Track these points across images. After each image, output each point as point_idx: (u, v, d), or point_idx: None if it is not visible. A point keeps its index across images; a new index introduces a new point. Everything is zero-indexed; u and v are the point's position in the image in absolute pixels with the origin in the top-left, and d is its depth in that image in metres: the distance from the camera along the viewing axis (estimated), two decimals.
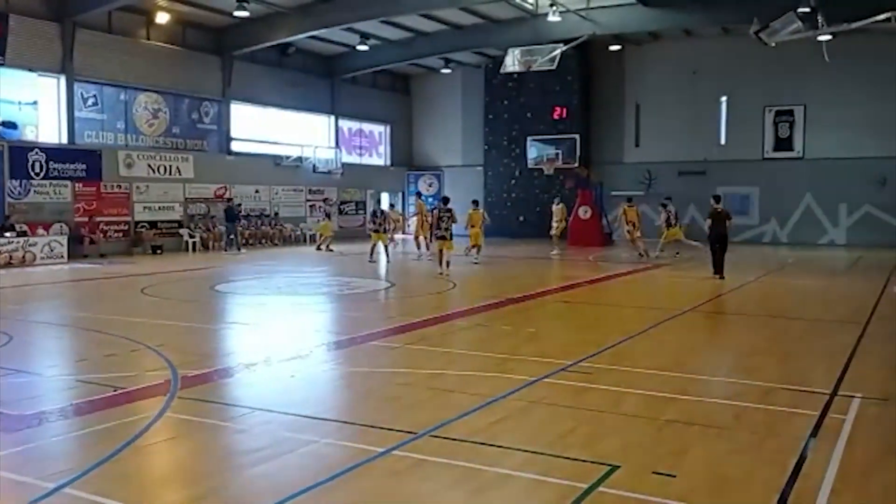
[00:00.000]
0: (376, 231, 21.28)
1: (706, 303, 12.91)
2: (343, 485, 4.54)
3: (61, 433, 5.67)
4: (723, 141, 30.49)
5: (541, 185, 32.03)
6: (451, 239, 17.63)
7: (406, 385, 6.97)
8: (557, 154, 30.24)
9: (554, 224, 25.41)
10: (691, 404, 6.35)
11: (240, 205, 28.03)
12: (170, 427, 5.72)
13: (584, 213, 27.46)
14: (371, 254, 21.08)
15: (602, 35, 27.38)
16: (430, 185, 36.82)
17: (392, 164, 36.84)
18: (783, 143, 29.57)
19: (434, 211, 19.00)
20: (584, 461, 4.91)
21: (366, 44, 29.41)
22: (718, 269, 15.92)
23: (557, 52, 24.93)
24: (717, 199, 16.82)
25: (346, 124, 34.29)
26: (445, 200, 18.51)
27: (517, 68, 25.95)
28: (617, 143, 32.43)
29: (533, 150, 31.32)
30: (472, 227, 20.38)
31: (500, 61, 27.87)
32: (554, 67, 25.75)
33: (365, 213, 35.06)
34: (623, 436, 5.44)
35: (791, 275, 17.95)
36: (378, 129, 36.37)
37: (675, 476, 4.65)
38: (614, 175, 31.58)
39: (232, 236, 25.90)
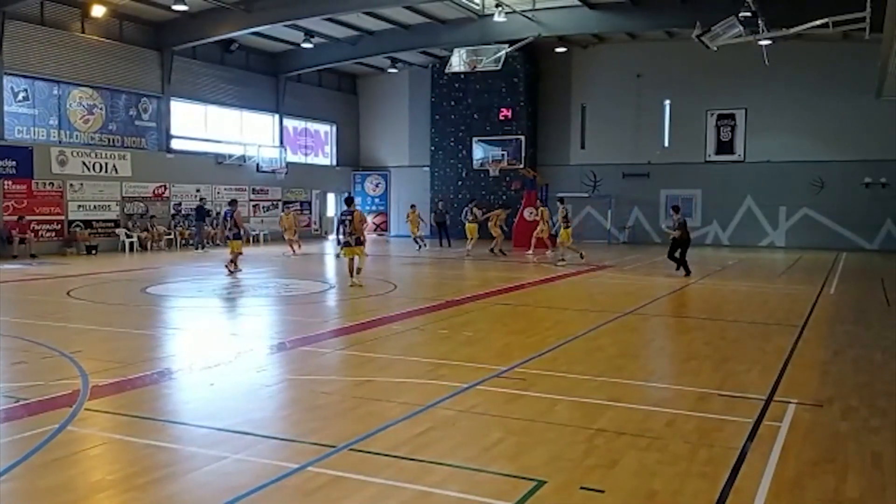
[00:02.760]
0: (347, 244, 14.95)
1: (647, 305, 12.86)
2: None
3: None
4: (666, 143, 30.82)
5: (487, 187, 31.93)
6: (357, 245, 14.75)
7: (330, 394, 6.64)
8: (503, 155, 30.13)
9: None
10: (624, 412, 6.17)
11: (206, 202, 27.65)
12: (69, 442, 5.30)
13: (529, 214, 27.38)
14: (352, 274, 15.00)
15: (548, 37, 27.41)
16: (376, 186, 36.45)
17: (338, 164, 36.34)
18: (725, 147, 30.02)
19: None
20: (509, 476, 4.67)
21: (310, 42, 28.90)
22: (685, 266, 17.14)
23: (503, 52, 24.86)
24: (677, 209, 17.92)
25: (291, 123, 33.69)
26: (348, 202, 15.56)
27: (463, 68, 25.81)
28: (563, 144, 32.54)
29: (479, 151, 31.19)
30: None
31: (446, 61, 27.68)
32: (499, 68, 25.68)
33: (310, 214, 34.56)
34: (551, 447, 5.21)
35: (731, 277, 18.11)
36: (324, 129, 35.83)
37: (603, 492, 4.44)
38: (560, 176, 31.66)
39: (198, 235, 26.40)
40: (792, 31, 20.01)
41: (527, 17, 25.85)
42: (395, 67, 33.73)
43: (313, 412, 6.10)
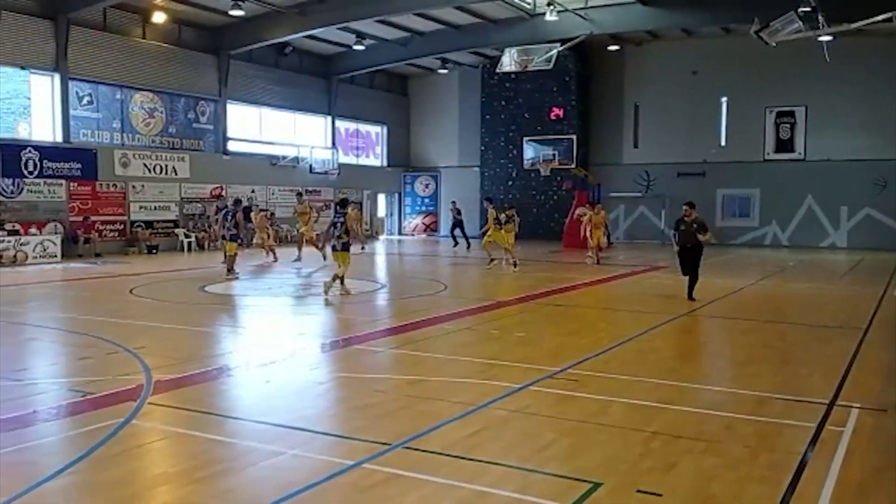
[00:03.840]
0: (335, 248, 13.71)
1: (703, 307, 12.62)
2: (307, 500, 4.27)
3: (18, 442, 5.40)
4: (723, 142, 30.23)
5: (538, 187, 31.77)
6: (343, 250, 13.45)
7: (383, 392, 6.70)
8: (554, 155, 29.97)
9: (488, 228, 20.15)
10: (680, 414, 6.09)
11: (252, 203, 27.99)
12: (133, 436, 5.45)
13: (580, 214, 27.16)
14: (334, 281, 13.51)
15: (600, 35, 27.15)
16: (426, 186, 36.59)
17: (389, 165, 36.59)
18: (784, 145, 29.30)
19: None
20: (564, 477, 4.65)
21: (362, 43, 29.18)
22: (689, 289, 13.03)
23: (554, 51, 24.70)
24: (690, 204, 13.24)
25: (342, 125, 34.05)
26: (342, 203, 13.96)
27: (514, 68, 25.72)
28: (615, 144, 32.18)
29: (529, 151, 31.07)
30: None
31: (497, 61, 27.63)
32: (551, 67, 25.51)
33: (361, 214, 34.85)
34: (606, 449, 5.17)
35: (791, 278, 17.66)
36: (375, 130, 36.12)
37: (660, 495, 4.38)
38: (612, 176, 31.34)
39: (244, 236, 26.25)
40: (853, 26, 19.40)
41: (579, 15, 25.64)
42: (446, 68, 33.83)
43: (366, 410, 6.16)
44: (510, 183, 33.09)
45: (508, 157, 32.98)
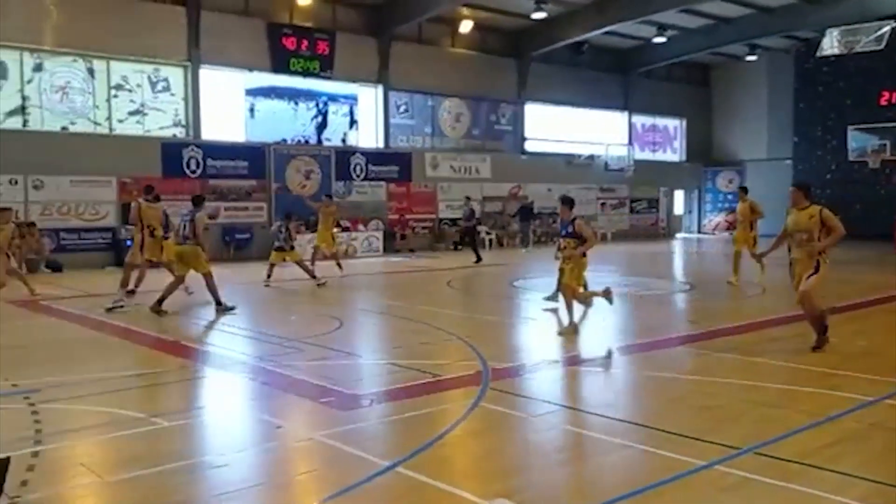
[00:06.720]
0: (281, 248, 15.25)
1: None
2: (662, 495, 4.34)
3: (388, 414, 6.15)
4: None
5: (862, 180, 28.54)
6: (291, 250, 15.14)
7: (718, 395, 6.54)
8: (884, 145, 26.71)
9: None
10: None
11: (532, 203, 28.79)
12: (483, 417, 5.93)
13: None
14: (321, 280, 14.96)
15: None
16: (729, 182, 34.66)
17: (687, 160, 35.30)
18: None
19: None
20: None
21: (663, 35, 28.46)
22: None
23: (886, 29, 22.08)
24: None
25: (639, 120, 33.55)
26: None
27: (836, 51, 23.42)
28: None
29: (854, 141, 28.00)
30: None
31: (813, 44, 25.37)
32: (881, 47, 22.80)
33: (657, 212, 34.10)
34: None
35: None
36: (672, 124, 35.07)
37: None
38: None
39: (524, 234, 26.87)
40: None
41: None
42: (754, 54, 31.76)
43: (705, 412, 6.07)
44: (828, 176, 30.10)
45: (827, 147, 30.10)
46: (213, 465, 4.93)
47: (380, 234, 24.23)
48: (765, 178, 32.35)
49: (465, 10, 25.62)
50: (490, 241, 27.13)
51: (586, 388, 6.96)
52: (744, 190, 15.51)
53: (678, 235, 34.25)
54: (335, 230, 18.00)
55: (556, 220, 27.44)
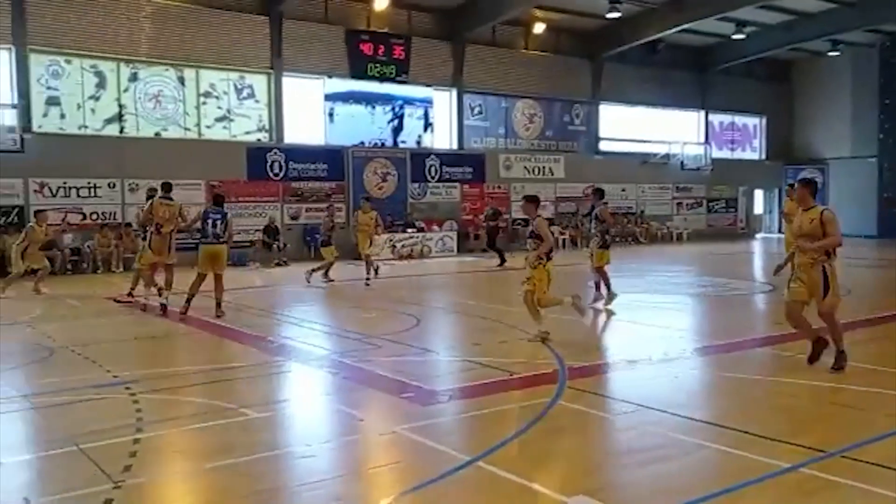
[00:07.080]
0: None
1: None
2: (745, 497, 4.33)
3: (467, 410, 6.28)
4: None
5: None
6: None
7: (798, 397, 6.43)
8: None
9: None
10: None
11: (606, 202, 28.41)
12: (561, 415, 5.99)
13: None
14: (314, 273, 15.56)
15: None
16: None
17: (767, 158, 34.32)
18: None
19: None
20: None
21: (742, 31, 27.75)
22: None
23: None
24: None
25: (716, 118, 32.82)
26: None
27: None
28: None
29: None
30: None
31: None
32: None
33: (736, 211, 33.28)
34: None
35: None
36: (752, 122, 34.16)
37: None
38: None
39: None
40: None
41: None
42: (837, 49, 30.62)
43: (787, 413, 5.99)
44: None
45: None
46: (301, 455, 5.16)
47: (454, 235, 24.47)
48: (849, 176, 31.28)
49: (538, 13, 25.59)
50: (564, 241, 27.00)
51: (665, 388, 6.92)
52: (792, 187, 14.68)
53: (758, 235, 33.33)
54: (376, 236, 17.08)
55: (630, 221, 26.95)
